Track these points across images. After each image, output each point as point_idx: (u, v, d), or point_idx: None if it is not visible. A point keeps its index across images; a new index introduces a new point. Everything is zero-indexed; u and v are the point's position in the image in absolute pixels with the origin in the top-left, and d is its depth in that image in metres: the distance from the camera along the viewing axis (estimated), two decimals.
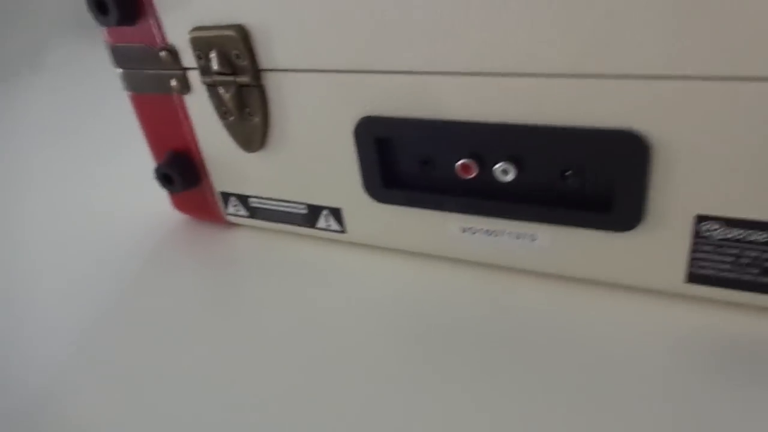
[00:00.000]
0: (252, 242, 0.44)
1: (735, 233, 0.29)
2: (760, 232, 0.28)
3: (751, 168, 0.26)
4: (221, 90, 0.36)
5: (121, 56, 0.39)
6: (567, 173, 0.31)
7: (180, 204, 0.46)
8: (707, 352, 0.29)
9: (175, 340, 0.35)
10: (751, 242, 0.28)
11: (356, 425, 0.28)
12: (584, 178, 0.31)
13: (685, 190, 0.28)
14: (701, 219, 0.29)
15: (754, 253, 0.29)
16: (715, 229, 0.29)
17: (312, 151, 0.37)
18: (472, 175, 0.33)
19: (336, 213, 0.39)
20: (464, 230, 0.35)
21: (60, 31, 0.99)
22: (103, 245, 0.46)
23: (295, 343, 0.34)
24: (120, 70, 0.40)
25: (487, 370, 0.30)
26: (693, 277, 0.31)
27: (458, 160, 0.33)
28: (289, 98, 0.35)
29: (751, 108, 0.25)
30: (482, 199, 0.33)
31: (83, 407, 0.31)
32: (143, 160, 0.45)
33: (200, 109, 0.39)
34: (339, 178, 0.37)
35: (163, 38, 0.37)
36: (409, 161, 0.35)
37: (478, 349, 0.31)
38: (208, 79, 0.36)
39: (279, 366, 0.32)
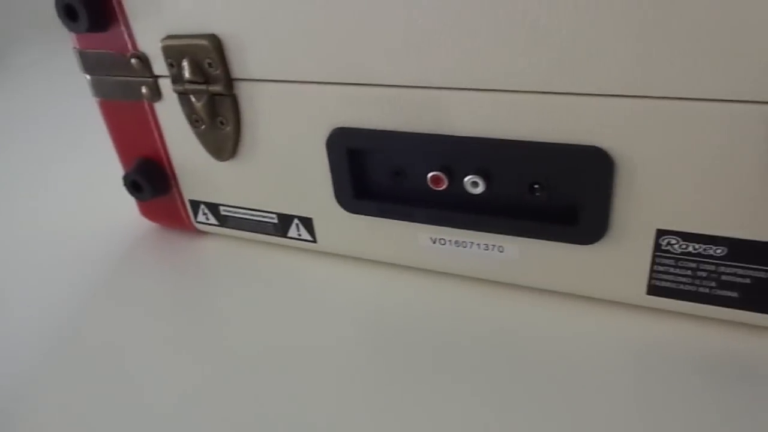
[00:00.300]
0: (222, 251, 0.43)
1: (693, 247, 0.30)
2: (716, 247, 0.29)
3: (707, 185, 0.28)
4: (193, 98, 0.36)
5: (90, 62, 0.39)
6: (535, 186, 0.32)
7: (148, 212, 0.45)
8: (668, 362, 0.30)
9: (140, 348, 0.35)
10: (707, 256, 0.30)
11: None
12: (552, 191, 0.32)
13: (647, 205, 0.29)
14: (661, 233, 0.30)
15: (710, 267, 0.30)
16: (675, 243, 0.30)
17: (284, 161, 0.37)
18: (443, 187, 0.33)
19: (307, 223, 0.39)
20: (434, 241, 0.36)
21: (29, 31, 0.97)
22: (68, 252, 0.45)
23: (262, 353, 0.34)
24: (89, 77, 0.39)
25: (451, 380, 0.30)
26: (654, 290, 0.32)
27: (429, 172, 0.33)
28: (262, 108, 0.35)
29: (708, 127, 0.26)
30: (452, 210, 0.34)
31: (44, 415, 0.31)
32: (111, 167, 0.44)
33: (171, 116, 0.38)
34: (310, 188, 0.37)
35: (134, 45, 0.37)
36: (381, 172, 0.35)
37: (443, 359, 0.32)
38: (180, 88, 0.36)
39: (244, 376, 0.32)
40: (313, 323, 0.35)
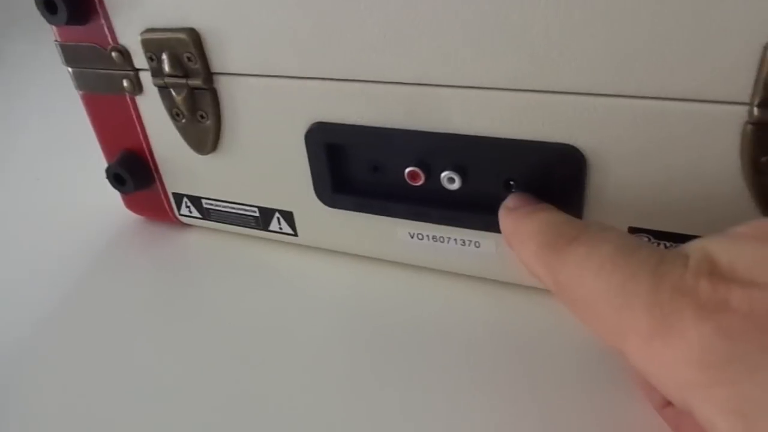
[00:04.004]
0: (205, 243, 0.44)
1: (664, 245, 0.30)
2: None
3: (678, 184, 0.28)
4: (173, 92, 0.36)
5: (71, 55, 0.39)
6: (511, 183, 0.32)
7: (132, 204, 0.46)
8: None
9: (119, 340, 0.35)
10: None
11: (299, 424, 0.29)
12: (527, 188, 0.32)
13: (619, 203, 0.30)
14: (633, 231, 0.30)
15: None
16: (647, 241, 0.30)
17: (264, 155, 0.37)
18: (420, 183, 0.34)
19: (288, 216, 0.39)
20: (412, 236, 0.36)
21: (18, 24, 0.97)
22: (52, 243, 0.45)
23: (241, 342, 0.34)
24: (71, 69, 0.40)
25: (428, 373, 0.31)
26: None
27: (407, 168, 0.33)
28: (242, 102, 0.36)
29: (679, 127, 0.26)
30: (429, 206, 0.34)
31: (21, 407, 0.31)
32: (95, 159, 0.44)
33: (152, 110, 0.38)
34: (290, 182, 0.37)
35: (114, 39, 0.37)
36: (360, 167, 0.36)
37: (420, 352, 0.32)
38: (160, 81, 0.36)
39: (222, 367, 0.33)
40: (292, 315, 0.36)
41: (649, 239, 0.30)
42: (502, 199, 0.33)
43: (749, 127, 0.25)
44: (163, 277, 0.41)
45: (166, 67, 0.35)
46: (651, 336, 0.19)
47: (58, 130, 0.64)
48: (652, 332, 0.19)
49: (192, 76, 0.35)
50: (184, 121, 0.37)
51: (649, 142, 0.27)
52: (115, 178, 0.41)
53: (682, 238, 0.29)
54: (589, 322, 0.22)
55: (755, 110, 0.24)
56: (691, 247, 0.20)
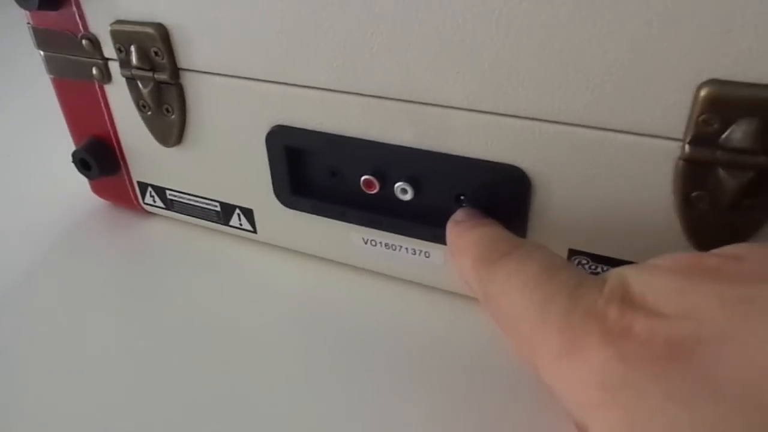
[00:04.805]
0: (168, 232, 0.44)
1: (602, 269, 0.31)
2: None
3: (615, 212, 0.29)
4: (140, 84, 0.37)
5: (43, 39, 0.39)
6: (461, 198, 0.33)
7: (98, 189, 0.46)
8: None
9: (71, 318, 0.36)
10: None
11: (242, 418, 0.30)
12: (476, 204, 0.33)
13: (560, 225, 0.31)
14: (573, 253, 0.31)
15: None
16: (585, 264, 0.31)
17: (227, 153, 0.38)
18: (375, 191, 0.34)
19: (248, 213, 0.40)
20: (366, 242, 0.37)
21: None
22: (13, 221, 0.46)
23: (187, 334, 0.35)
24: (42, 53, 0.40)
25: (366, 374, 0.32)
26: None
27: (363, 176, 0.34)
28: (206, 99, 0.36)
29: (616, 157, 0.27)
30: (382, 214, 0.35)
31: None
32: (69, 141, 0.44)
33: (120, 99, 0.39)
34: (251, 180, 0.38)
35: (85, 27, 0.37)
36: (318, 172, 0.36)
37: (363, 355, 0.33)
38: (128, 73, 0.37)
39: (165, 354, 0.33)
40: (243, 309, 0.37)
41: (588, 262, 0.31)
42: (453, 212, 0.34)
43: (681, 162, 0.26)
44: (121, 263, 0.42)
45: (134, 60, 0.36)
46: (560, 355, 0.20)
47: (37, 109, 0.64)
48: (561, 351, 0.20)
49: (159, 71, 0.36)
50: (150, 113, 0.38)
51: (589, 170, 0.28)
52: (81, 163, 0.42)
53: (617, 263, 0.30)
54: (509, 335, 0.23)
55: (687, 147, 0.25)
56: (611, 273, 0.21)
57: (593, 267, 0.31)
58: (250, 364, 0.33)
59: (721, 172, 0.25)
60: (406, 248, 0.36)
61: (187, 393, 0.31)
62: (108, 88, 0.39)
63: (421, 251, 0.36)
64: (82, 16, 0.37)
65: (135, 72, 0.36)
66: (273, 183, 0.37)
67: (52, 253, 0.43)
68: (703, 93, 0.24)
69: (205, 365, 0.33)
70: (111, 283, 0.40)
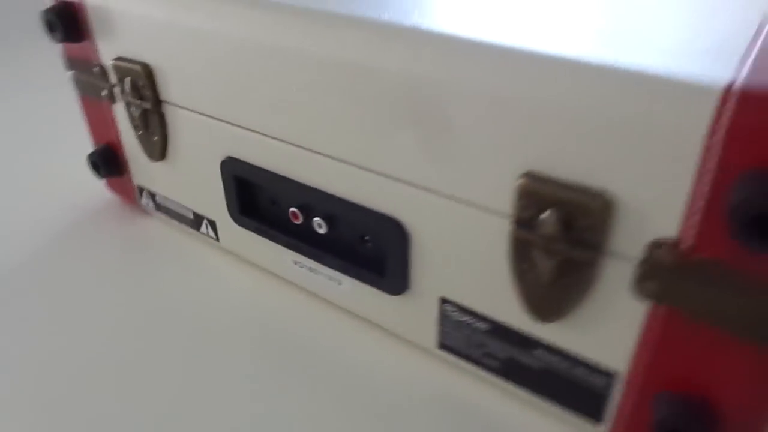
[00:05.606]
0: (158, 229, 0.52)
1: (467, 318, 0.35)
2: (482, 323, 0.34)
3: (474, 270, 0.33)
4: (132, 109, 0.45)
5: (70, 63, 0.48)
6: (366, 239, 0.38)
7: (112, 186, 0.55)
8: (443, 408, 0.36)
9: (58, 294, 0.44)
10: (476, 329, 0.35)
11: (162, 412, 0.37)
12: (374, 245, 0.38)
13: (434, 275, 0.35)
14: (444, 301, 0.35)
15: (479, 338, 0.35)
16: (453, 312, 0.35)
17: (196, 173, 0.45)
18: (299, 222, 0.40)
19: (212, 224, 0.47)
20: (295, 263, 0.43)
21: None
22: (33, 209, 0.55)
23: (148, 316, 0.42)
24: (70, 73, 0.49)
25: (279, 381, 0.38)
26: (442, 345, 0.37)
27: (291, 208, 0.40)
28: (180, 127, 0.43)
29: (466, 224, 0.31)
30: (304, 243, 0.41)
31: None
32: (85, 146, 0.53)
33: (123, 118, 0.47)
34: (214, 198, 0.45)
35: (98, 58, 0.45)
36: (261, 199, 0.42)
37: (282, 359, 0.39)
38: (124, 99, 0.45)
39: (112, 334, 0.41)
40: (194, 303, 0.44)
41: (456, 311, 0.35)
42: (357, 249, 0.39)
43: (512, 238, 0.30)
44: (111, 250, 0.50)
45: (127, 90, 0.43)
46: None
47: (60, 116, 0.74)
48: None
49: (145, 100, 0.43)
50: (140, 132, 0.46)
51: (449, 231, 0.32)
52: (92, 164, 0.51)
53: (478, 316, 0.34)
54: None
55: (513, 226, 0.29)
56: None
57: (459, 315, 0.35)
58: (179, 352, 0.40)
59: (538, 253, 0.29)
60: (324, 274, 0.41)
61: (115, 364, 0.39)
62: (114, 108, 0.47)
63: (334, 279, 0.41)
64: (95, 50, 0.45)
65: (128, 99, 0.44)
66: (227, 203, 0.44)
67: (56, 236, 0.51)
68: (519, 182, 0.28)
69: (139, 345, 0.40)
70: (96, 264, 0.48)
